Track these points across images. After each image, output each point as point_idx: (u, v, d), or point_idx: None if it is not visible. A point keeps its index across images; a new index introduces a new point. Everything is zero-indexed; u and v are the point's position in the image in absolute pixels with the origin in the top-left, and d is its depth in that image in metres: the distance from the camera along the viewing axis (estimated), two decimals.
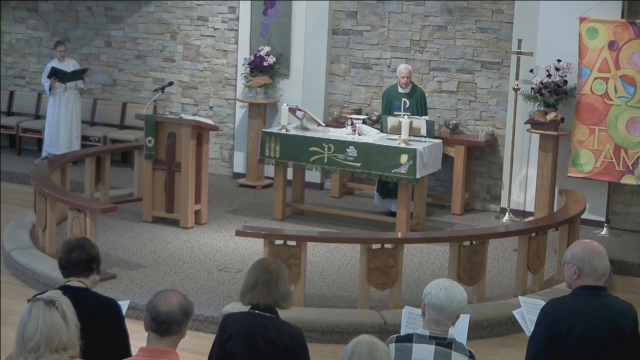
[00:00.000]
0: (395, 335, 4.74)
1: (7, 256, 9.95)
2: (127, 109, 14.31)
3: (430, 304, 4.60)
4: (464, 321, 5.29)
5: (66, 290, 4.95)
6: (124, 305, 5.85)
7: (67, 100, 13.54)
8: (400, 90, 11.51)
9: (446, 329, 4.62)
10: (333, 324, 8.36)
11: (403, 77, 11.43)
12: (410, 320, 5.38)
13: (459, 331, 5.13)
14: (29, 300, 3.82)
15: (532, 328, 5.10)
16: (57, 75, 13.30)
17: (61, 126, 13.52)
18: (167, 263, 9.77)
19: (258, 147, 11.65)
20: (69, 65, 13.56)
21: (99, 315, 4.89)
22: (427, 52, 12.62)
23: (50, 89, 13.40)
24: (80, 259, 4.99)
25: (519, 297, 6.38)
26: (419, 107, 11.48)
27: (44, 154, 13.62)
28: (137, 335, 5.88)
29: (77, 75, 13.46)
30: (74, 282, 4.99)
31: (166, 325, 4.10)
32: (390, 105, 11.51)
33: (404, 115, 11.04)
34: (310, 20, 12.98)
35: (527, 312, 5.60)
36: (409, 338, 4.65)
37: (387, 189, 11.50)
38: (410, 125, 10.80)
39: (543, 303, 5.02)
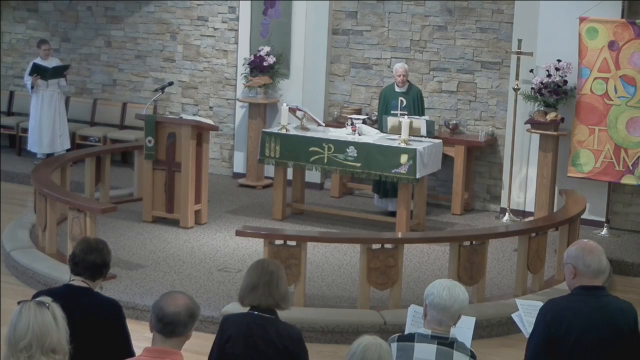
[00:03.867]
0: (397, 335, 4.74)
1: (7, 256, 9.95)
2: (127, 109, 14.31)
3: (432, 303, 4.60)
4: (469, 324, 5.28)
5: (69, 289, 4.96)
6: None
7: (49, 98, 13.51)
8: (397, 89, 11.51)
9: (448, 328, 4.62)
10: (333, 324, 8.36)
11: (399, 76, 11.43)
12: (416, 318, 5.37)
13: (464, 334, 5.13)
14: (19, 303, 3.80)
15: (530, 329, 5.10)
16: (38, 71, 13.29)
17: (43, 125, 13.50)
18: (167, 263, 9.77)
19: (258, 147, 11.65)
20: (52, 64, 13.54)
21: (100, 315, 4.89)
22: (427, 52, 12.62)
23: (32, 87, 13.39)
24: (95, 263, 5.00)
25: (516, 299, 6.36)
26: (416, 106, 11.48)
27: (39, 154, 13.64)
28: (138, 336, 5.89)
29: (58, 71, 13.44)
30: (78, 282, 4.99)
31: (172, 326, 4.09)
32: (387, 104, 11.52)
33: (400, 114, 11.04)
34: (310, 20, 12.98)
35: (525, 313, 5.59)
36: (410, 337, 4.65)
37: (384, 189, 11.51)
38: (410, 125, 10.80)
39: (540, 304, 5.02)
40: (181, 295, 4.19)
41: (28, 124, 14.51)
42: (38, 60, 13.51)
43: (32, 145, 13.67)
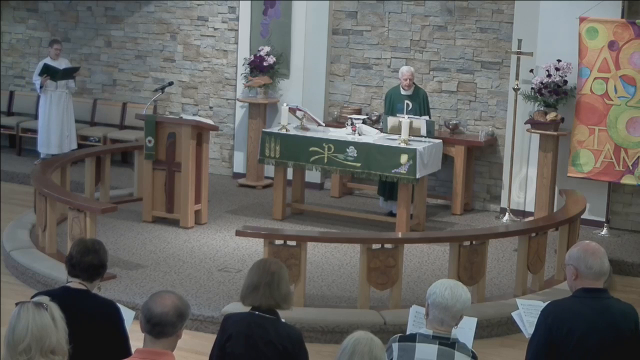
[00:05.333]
0: (398, 335, 4.74)
1: (7, 256, 9.95)
2: (127, 109, 14.31)
3: (434, 303, 4.60)
4: (470, 325, 5.28)
5: (66, 291, 4.93)
6: (128, 314, 5.82)
7: (58, 98, 13.51)
8: (403, 92, 11.50)
9: (449, 329, 4.62)
10: (333, 324, 8.36)
11: (405, 80, 11.42)
12: (417, 319, 5.38)
13: (466, 334, 5.12)
14: (17, 304, 3.79)
15: (530, 330, 5.10)
16: (48, 72, 13.28)
17: (52, 125, 13.50)
18: (167, 263, 9.77)
19: (258, 147, 11.65)
20: (62, 64, 13.54)
21: (98, 317, 4.87)
22: (427, 52, 12.62)
23: (41, 87, 13.38)
24: (92, 264, 4.97)
25: (517, 299, 6.37)
26: (422, 108, 11.47)
27: (41, 154, 13.63)
28: (137, 336, 5.89)
29: (68, 73, 13.44)
30: (75, 284, 4.97)
31: (160, 327, 4.07)
32: (392, 107, 11.50)
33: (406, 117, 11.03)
34: (310, 20, 12.98)
35: (525, 313, 5.60)
36: (412, 338, 4.65)
37: (389, 191, 11.46)
38: (410, 125, 10.80)
39: (540, 304, 5.02)
40: (169, 295, 4.16)
41: (28, 124, 14.54)
42: (48, 60, 13.50)
43: (40, 146, 13.63)
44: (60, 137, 13.55)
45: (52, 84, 13.40)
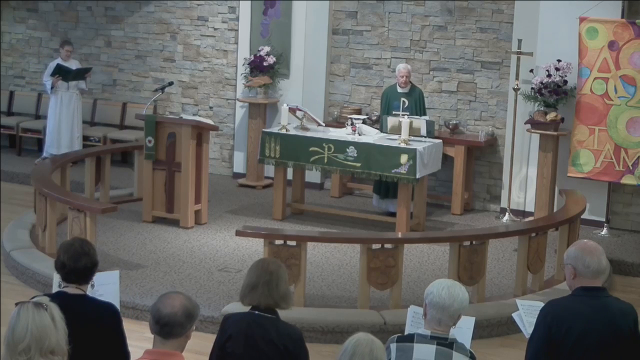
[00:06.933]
0: (396, 335, 4.74)
1: (7, 256, 9.95)
2: (127, 109, 14.31)
3: (432, 303, 4.60)
4: (468, 324, 5.29)
5: (63, 297, 4.82)
6: (113, 275, 5.81)
7: (68, 99, 13.52)
8: (399, 90, 11.51)
9: (447, 329, 4.62)
10: (333, 324, 8.36)
11: (402, 77, 11.43)
12: (415, 319, 5.38)
13: (464, 334, 5.13)
14: (17, 304, 3.79)
15: (530, 330, 5.10)
16: (60, 72, 13.27)
17: (62, 126, 13.50)
18: (167, 263, 9.77)
19: (258, 147, 11.65)
20: (72, 65, 13.54)
21: (98, 321, 4.83)
22: (427, 52, 12.62)
23: (51, 88, 13.37)
24: (86, 267, 4.90)
25: (517, 300, 6.37)
26: (418, 107, 11.48)
27: (44, 154, 13.60)
28: (138, 336, 5.90)
29: (80, 73, 13.45)
30: (72, 288, 4.91)
31: (169, 327, 4.08)
32: (389, 105, 11.51)
33: (403, 115, 11.05)
34: (310, 20, 12.98)
35: (525, 314, 5.60)
36: (410, 338, 4.65)
37: (385, 190, 11.50)
38: (410, 125, 10.80)
39: (540, 304, 5.02)
40: (178, 295, 4.17)
41: (28, 124, 14.55)
42: (59, 61, 13.48)
43: (49, 147, 13.59)
44: (71, 137, 13.56)
45: (64, 85, 13.40)
